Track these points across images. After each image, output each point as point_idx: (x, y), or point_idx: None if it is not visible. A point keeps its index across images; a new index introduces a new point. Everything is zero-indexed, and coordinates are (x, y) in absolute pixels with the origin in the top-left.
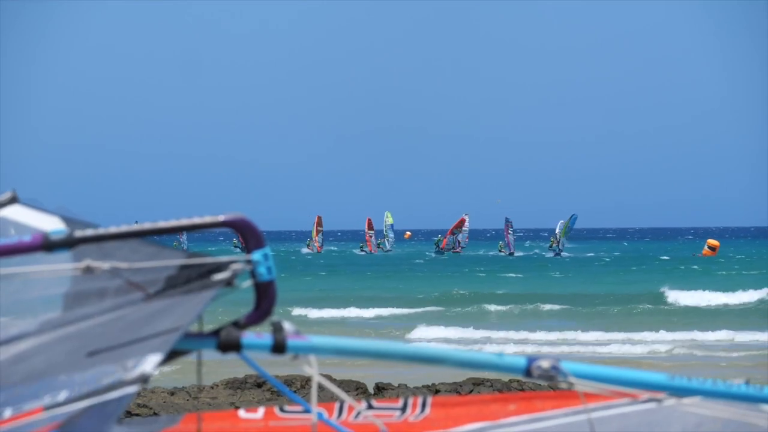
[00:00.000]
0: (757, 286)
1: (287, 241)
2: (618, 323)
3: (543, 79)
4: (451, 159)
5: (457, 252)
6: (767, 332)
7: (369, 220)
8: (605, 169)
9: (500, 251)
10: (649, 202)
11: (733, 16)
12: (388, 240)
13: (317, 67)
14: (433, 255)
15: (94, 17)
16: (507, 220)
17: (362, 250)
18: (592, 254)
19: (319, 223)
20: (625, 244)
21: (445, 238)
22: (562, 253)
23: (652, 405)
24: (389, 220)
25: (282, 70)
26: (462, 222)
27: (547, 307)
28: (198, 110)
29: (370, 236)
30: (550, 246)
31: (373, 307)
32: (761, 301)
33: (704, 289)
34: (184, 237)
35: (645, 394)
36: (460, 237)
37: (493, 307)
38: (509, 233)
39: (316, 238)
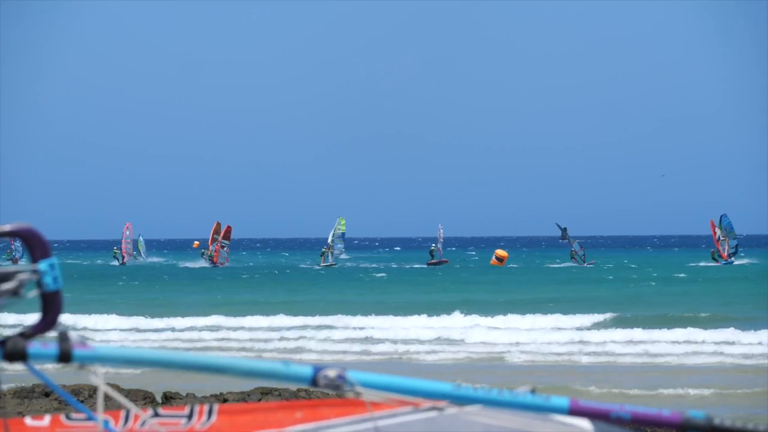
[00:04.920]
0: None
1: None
2: None
3: (541, 84)
4: (447, 165)
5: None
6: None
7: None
8: (601, 174)
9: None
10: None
11: (732, 19)
12: (332, 252)
13: (316, 68)
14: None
15: (95, 17)
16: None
17: (115, 258)
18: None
19: (216, 231)
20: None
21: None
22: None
23: (435, 413)
24: (342, 228)
25: (281, 71)
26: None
27: None
28: (198, 111)
29: (128, 243)
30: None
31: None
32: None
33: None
34: (17, 244)
35: (428, 403)
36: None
37: None
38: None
39: (210, 246)
